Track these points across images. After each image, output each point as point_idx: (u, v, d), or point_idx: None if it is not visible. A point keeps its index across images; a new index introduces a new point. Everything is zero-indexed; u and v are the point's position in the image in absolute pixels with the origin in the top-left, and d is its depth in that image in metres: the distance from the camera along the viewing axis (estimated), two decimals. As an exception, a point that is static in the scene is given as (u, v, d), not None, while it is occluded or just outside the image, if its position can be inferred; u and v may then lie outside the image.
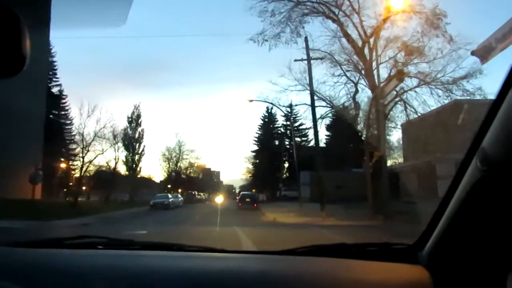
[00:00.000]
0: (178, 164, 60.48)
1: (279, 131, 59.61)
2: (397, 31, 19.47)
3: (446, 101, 19.69)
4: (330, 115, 27.12)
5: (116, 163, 41.00)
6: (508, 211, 1.08)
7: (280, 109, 55.79)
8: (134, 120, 50.20)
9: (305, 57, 21.89)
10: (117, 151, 40.72)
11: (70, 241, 1.93)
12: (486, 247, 1.19)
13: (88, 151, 33.19)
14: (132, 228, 14.90)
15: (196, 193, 63.25)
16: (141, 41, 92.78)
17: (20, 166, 22.69)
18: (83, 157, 33.15)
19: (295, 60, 22.70)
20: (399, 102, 21.42)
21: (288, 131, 54.53)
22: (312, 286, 1.40)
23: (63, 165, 38.83)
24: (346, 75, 21.70)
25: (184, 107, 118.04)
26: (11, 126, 22.78)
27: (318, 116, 23.35)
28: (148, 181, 55.61)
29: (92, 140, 33.08)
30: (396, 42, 19.68)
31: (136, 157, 49.71)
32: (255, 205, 30.73)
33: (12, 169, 22.30)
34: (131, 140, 49.19)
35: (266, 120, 60.01)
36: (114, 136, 38.24)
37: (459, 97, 19.11)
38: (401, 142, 36.54)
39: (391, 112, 21.68)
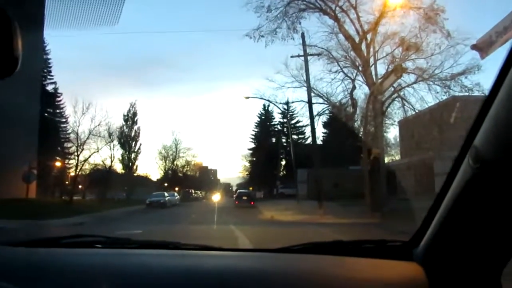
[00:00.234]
0: (175, 162, 60.56)
1: (276, 129, 59.66)
2: (395, 27, 19.36)
3: (444, 97, 19.60)
4: (327, 112, 26.89)
5: (111, 162, 40.89)
6: (501, 208, 1.09)
7: (277, 106, 55.53)
8: (130, 118, 50.16)
9: (301, 53, 21.79)
10: (113, 149, 40.58)
11: (67, 240, 1.91)
12: (480, 243, 1.21)
13: (83, 149, 32.90)
14: (127, 227, 14.75)
15: (193, 191, 63.19)
16: (136, 38, 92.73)
17: (14, 165, 22.51)
18: (77, 156, 32.86)
19: (292, 56, 22.61)
20: (396, 99, 21.28)
21: (285, 128, 54.54)
22: (308, 284, 1.40)
23: (58, 164, 38.49)
24: (343, 72, 21.56)
25: (180, 105, 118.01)
26: (4, 125, 22.53)
27: (315, 113, 23.26)
28: (144, 180, 55.56)
29: (87, 138, 32.76)
30: (394, 38, 19.53)
31: (133, 155, 49.71)
32: (252, 203, 30.76)
33: (6, 168, 22.09)
34: (127, 138, 49.11)
35: (263, 117, 59.96)
36: (110, 134, 38.01)
37: (457, 93, 19.00)
38: (398, 139, 36.51)
39: (388, 109, 21.58)
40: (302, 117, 52.66)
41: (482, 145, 1.03)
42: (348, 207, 20.98)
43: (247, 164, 64.30)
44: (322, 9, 20.16)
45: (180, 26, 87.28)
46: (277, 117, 58.73)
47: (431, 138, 21.40)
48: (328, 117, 38.46)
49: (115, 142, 42.27)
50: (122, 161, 48.65)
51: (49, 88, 42.52)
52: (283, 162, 56.57)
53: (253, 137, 61.04)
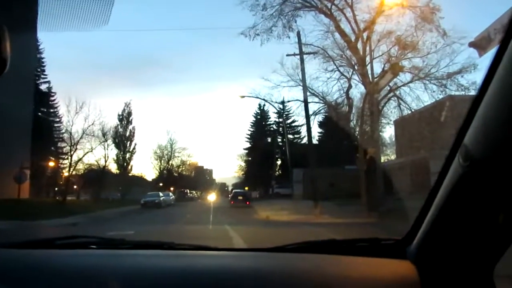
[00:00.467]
0: (170, 162, 60.32)
1: (272, 128, 59.44)
2: (391, 26, 19.34)
3: (441, 96, 19.59)
4: (323, 111, 26.79)
5: (106, 161, 40.61)
6: (491, 205, 1.11)
7: (273, 105, 55.73)
8: (125, 118, 49.88)
9: (297, 52, 21.64)
10: (107, 149, 40.32)
11: (61, 241, 1.90)
12: (471, 241, 1.22)
13: (76, 149, 32.68)
14: (121, 227, 14.58)
15: (188, 191, 62.99)
16: (131, 37, 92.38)
17: (6, 165, 22.20)
18: (71, 155, 32.59)
19: (287, 55, 22.45)
20: (392, 98, 21.28)
21: (281, 128, 54.43)
22: (302, 282, 1.41)
23: (52, 164, 38.11)
24: (339, 70, 21.50)
25: (175, 105, 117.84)
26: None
27: (310, 112, 23.15)
28: (139, 180, 55.23)
29: (81, 138, 32.55)
30: (390, 37, 19.53)
31: (127, 155, 49.43)
32: (247, 202, 30.71)
33: (-1, 168, 21.81)
34: (122, 138, 48.81)
35: (258, 117, 59.81)
36: (104, 134, 37.74)
37: (453, 92, 19.00)
38: (393, 138, 36.47)
39: (384, 108, 21.55)
40: (297, 116, 52.55)
41: (472, 143, 1.05)
42: (344, 206, 20.92)
43: (243, 164, 64.32)
44: (318, 8, 20.11)
45: (174, 24, 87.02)
46: (273, 117, 58.66)
47: (427, 137, 21.38)
48: (324, 116, 38.31)
49: (110, 141, 42.12)
50: (117, 161, 48.40)
51: (43, 87, 42.26)
52: (279, 162, 56.47)
53: (249, 136, 60.95)
